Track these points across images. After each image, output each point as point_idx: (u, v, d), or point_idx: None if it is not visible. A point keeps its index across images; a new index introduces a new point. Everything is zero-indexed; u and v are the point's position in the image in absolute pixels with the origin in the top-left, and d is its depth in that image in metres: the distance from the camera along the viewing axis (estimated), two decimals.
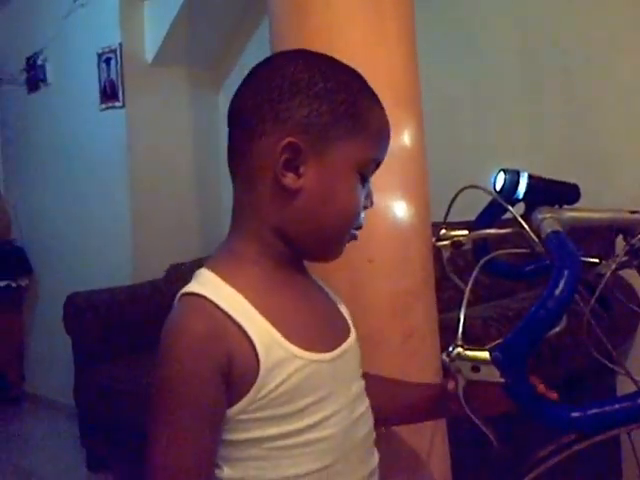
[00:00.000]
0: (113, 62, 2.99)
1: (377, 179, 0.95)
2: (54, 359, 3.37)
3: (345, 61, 0.94)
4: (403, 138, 0.97)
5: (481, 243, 1.08)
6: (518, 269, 1.12)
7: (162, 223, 3.09)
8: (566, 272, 0.68)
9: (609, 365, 0.91)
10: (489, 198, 1.08)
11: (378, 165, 0.76)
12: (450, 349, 0.73)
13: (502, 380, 0.69)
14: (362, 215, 0.75)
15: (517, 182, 0.87)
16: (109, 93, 3.02)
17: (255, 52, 2.96)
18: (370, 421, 0.78)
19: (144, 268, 2.99)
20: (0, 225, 3.68)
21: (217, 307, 0.66)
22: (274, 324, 0.68)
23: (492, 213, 1.05)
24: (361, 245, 0.93)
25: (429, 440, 0.93)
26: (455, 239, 1.06)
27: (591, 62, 2.09)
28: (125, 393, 2.31)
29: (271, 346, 0.66)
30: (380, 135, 0.75)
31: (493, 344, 0.71)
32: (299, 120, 0.68)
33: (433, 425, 0.95)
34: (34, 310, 3.68)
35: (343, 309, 0.83)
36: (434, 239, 1.07)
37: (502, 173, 0.88)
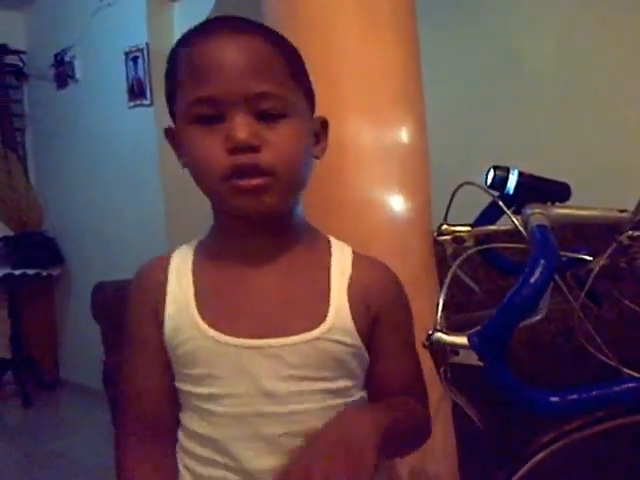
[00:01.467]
0: (140, 61, 3.06)
1: (376, 172, 0.99)
2: (87, 346, 3.43)
3: (338, 59, 0.97)
4: (401, 134, 1.00)
5: (484, 240, 1.11)
6: (521, 265, 1.15)
7: (194, 218, 3.12)
8: (542, 261, 0.71)
9: (599, 356, 0.93)
10: (491, 199, 1.12)
11: (215, 100, 0.66)
12: (430, 332, 0.77)
13: (480, 364, 0.73)
14: (224, 157, 0.66)
15: (506, 178, 0.91)
16: (137, 91, 3.10)
17: None
18: (294, 425, 0.70)
19: None
20: (32, 216, 3.80)
21: (168, 262, 0.75)
22: (198, 291, 0.72)
23: (492, 212, 1.08)
24: (358, 234, 0.98)
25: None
26: (457, 234, 1.10)
27: (596, 65, 2.10)
28: None
29: (181, 309, 0.71)
30: (193, 75, 0.67)
31: (472, 330, 0.75)
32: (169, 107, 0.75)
33: (437, 413, 0.98)
34: (66, 299, 3.79)
35: (336, 302, 0.73)
36: (435, 233, 1.11)
37: (492, 169, 0.92)
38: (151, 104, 3.06)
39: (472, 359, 0.73)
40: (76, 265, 3.70)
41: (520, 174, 0.91)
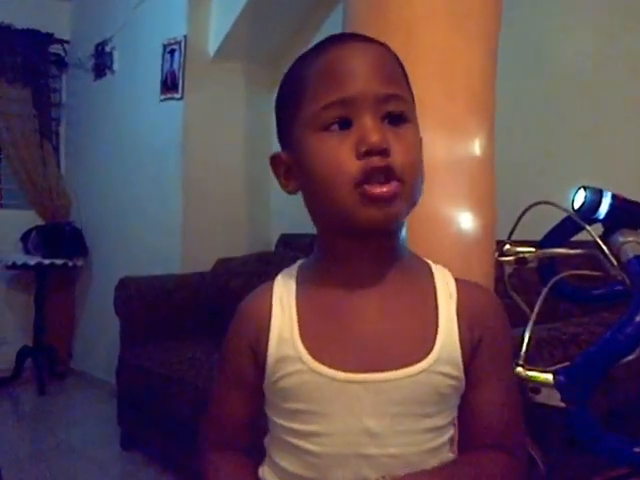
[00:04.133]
0: (177, 54, 3.02)
1: (447, 186, 0.93)
2: (101, 339, 3.46)
3: (422, 62, 0.92)
4: (474, 146, 0.94)
5: (547, 262, 1.04)
6: (585, 292, 1.08)
7: (212, 218, 3.11)
8: None
9: None
10: (557, 217, 1.05)
11: (346, 102, 0.65)
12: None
13: (562, 405, 0.67)
14: (355, 163, 0.64)
15: (599, 201, 0.83)
16: (169, 84, 3.06)
17: None
18: (393, 470, 0.66)
19: (192, 259, 3.01)
20: (61, 206, 3.80)
21: (271, 292, 0.72)
22: (302, 321, 0.69)
23: (563, 232, 1.01)
24: (423, 250, 0.91)
25: None
26: (520, 255, 1.03)
27: None
28: (162, 377, 2.36)
29: (285, 341, 0.68)
30: (325, 81, 0.66)
31: (557, 366, 0.68)
32: (279, 133, 0.74)
33: None
34: (86, 290, 3.79)
35: (445, 328, 0.68)
36: (497, 254, 1.04)
37: (582, 190, 0.84)
38: (181, 98, 3.01)
39: (554, 399, 0.66)
40: (98, 258, 3.68)
41: (613, 197, 0.84)
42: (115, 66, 3.48)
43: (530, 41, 2.31)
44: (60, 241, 3.63)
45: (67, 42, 3.89)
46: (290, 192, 0.71)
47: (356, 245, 0.68)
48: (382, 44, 0.70)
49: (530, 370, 0.69)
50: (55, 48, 3.85)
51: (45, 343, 3.63)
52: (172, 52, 3.05)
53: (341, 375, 0.65)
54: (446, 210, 0.91)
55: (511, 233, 1.04)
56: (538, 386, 0.69)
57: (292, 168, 0.70)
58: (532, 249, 1.04)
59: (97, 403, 3.30)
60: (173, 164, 3.09)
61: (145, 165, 3.26)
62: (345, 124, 0.64)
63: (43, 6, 3.79)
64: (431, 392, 0.66)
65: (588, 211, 0.83)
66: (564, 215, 1.01)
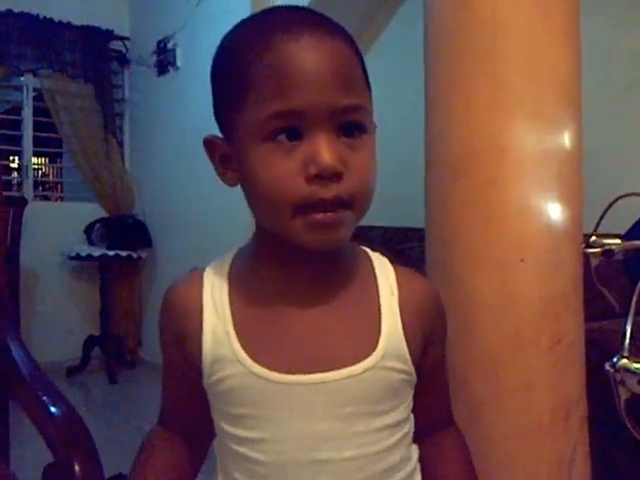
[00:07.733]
0: None
1: (536, 178, 0.94)
2: None
3: (509, 56, 0.91)
4: (563, 138, 0.94)
5: (635, 254, 1.04)
6: None
7: None
8: None
9: None
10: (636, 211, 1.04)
11: (298, 114, 0.57)
12: (615, 360, 0.71)
13: None
14: (301, 186, 0.57)
15: None
16: None
17: (382, 49, 2.95)
18: (351, 474, 0.63)
19: None
20: (125, 200, 3.93)
21: (202, 284, 0.67)
22: (238, 321, 0.63)
23: None
24: (513, 242, 0.93)
25: (572, 449, 0.91)
26: (607, 247, 1.03)
27: None
28: None
29: (221, 342, 0.63)
30: (275, 83, 0.57)
31: None
32: (216, 114, 0.65)
33: (577, 433, 0.93)
34: (152, 281, 3.90)
35: (388, 325, 0.64)
36: (583, 246, 1.04)
37: None
38: None
39: None
40: (162, 249, 3.79)
41: None
42: (178, 63, 3.56)
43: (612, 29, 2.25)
44: (124, 233, 3.75)
45: (127, 39, 3.99)
46: (230, 185, 0.65)
47: (297, 252, 0.62)
48: (340, 32, 0.62)
49: (636, 362, 0.69)
50: (116, 45, 3.96)
51: (113, 333, 3.75)
52: None
53: (285, 377, 0.61)
54: (536, 201, 0.92)
55: (597, 225, 1.04)
56: None
57: (230, 158, 0.63)
58: (618, 241, 1.04)
59: None
60: None
61: None
62: (294, 134, 0.57)
63: (102, 3, 3.90)
64: (383, 389, 0.63)
65: None
66: None
